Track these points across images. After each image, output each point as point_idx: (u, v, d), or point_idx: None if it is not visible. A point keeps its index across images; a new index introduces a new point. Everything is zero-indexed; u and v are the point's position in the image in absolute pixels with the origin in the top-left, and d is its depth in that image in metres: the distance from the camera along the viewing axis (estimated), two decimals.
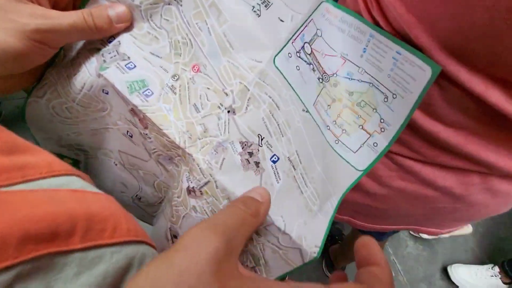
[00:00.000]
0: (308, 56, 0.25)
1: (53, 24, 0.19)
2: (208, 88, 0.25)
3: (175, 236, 0.28)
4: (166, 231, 0.28)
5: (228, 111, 0.25)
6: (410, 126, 0.27)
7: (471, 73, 0.21)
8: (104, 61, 0.24)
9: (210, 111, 0.25)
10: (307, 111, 0.26)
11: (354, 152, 0.26)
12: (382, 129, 0.24)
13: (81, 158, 0.31)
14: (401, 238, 1.29)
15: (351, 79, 0.25)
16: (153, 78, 0.24)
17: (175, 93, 0.25)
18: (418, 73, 0.21)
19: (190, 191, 0.25)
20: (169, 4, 0.24)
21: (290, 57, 0.25)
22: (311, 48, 0.25)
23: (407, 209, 0.35)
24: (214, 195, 0.24)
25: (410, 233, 1.29)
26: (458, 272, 1.17)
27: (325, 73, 0.26)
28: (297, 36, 0.25)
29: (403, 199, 0.33)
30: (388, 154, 0.31)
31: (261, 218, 0.18)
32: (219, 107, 0.25)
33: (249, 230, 0.17)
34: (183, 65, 0.25)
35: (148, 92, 0.24)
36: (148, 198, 0.32)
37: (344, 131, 0.26)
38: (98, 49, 0.24)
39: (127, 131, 0.27)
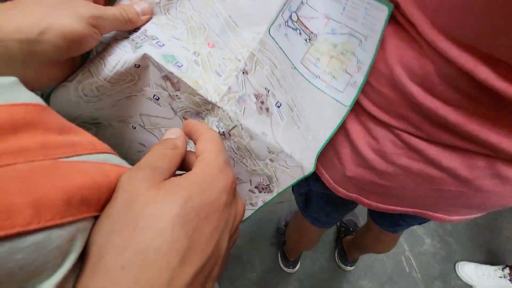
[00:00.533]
0: (295, 23, 0.33)
1: (103, 13, 0.24)
2: (224, 58, 0.31)
3: None
4: None
5: (243, 72, 0.30)
6: (411, 102, 0.29)
7: (460, 49, 0.22)
8: (137, 43, 0.28)
9: (229, 74, 0.30)
10: (295, 68, 0.34)
11: (342, 92, 0.34)
12: (359, 68, 0.33)
13: (92, 131, 0.34)
14: (418, 235, 1.27)
15: (334, 33, 0.33)
16: (179, 54, 0.29)
17: (198, 65, 0.30)
18: (380, 14, 0.28)
19: (220, 135, 0.31)
20: None
21: (280, 27, 0.32)
22: (297, 15, 0.32)
23: (413, 189, 0.36)
24: (239, 135, 0.31)
25: (427, 230, 1.27)
26: (464, 269, 1.16)
27: (312, 33, 0.34)
28: (285, 8, 0.31)
29: (408, 178, 0.34)
30: (394, 131, 0.32)
31: (180, 148, 0.21)
32: (236, 70, 0.30)
33: (174, 158, 0.20)
34: (200, 44, 0.31)
35: (179, 64, 0.29)
36: None
37: (333, 77, 0.34)
38: (128, 37, 0.29)
39: (154, 95, 0.31)
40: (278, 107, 0.33)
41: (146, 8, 0.29)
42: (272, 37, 0.32)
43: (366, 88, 0.33)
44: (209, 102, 0.30)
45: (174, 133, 0.22)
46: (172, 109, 0.32)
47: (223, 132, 0.32)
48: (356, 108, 0.35)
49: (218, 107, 0.30)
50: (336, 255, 1.18)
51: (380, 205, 0.42)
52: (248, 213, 0.40)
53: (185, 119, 0.33)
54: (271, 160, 0.34)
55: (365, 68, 0.32)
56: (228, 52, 0.31)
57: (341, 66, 0.34)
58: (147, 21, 0.29)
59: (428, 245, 1.26)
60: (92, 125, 0.33)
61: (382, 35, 0.29)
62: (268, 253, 1.20)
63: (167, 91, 0.30)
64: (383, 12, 0.28)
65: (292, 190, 0.72)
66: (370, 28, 0.30)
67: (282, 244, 1.18)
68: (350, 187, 0.41)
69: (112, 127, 0.34)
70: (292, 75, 0.35)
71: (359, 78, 0.33)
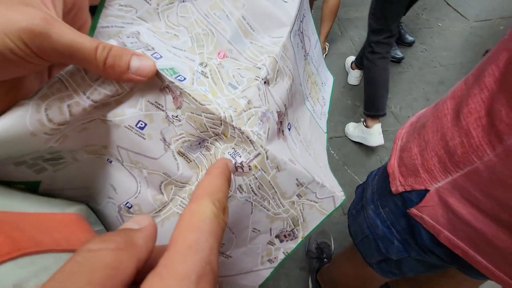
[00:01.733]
0: (300, 34, 0.30)
1: (57, 33, 0.16)
2: (239, 68, 0.26)
3: None
4: None
5: (265, 82, 0.25)
6: None
7: None
8: (125, 45, 0.22)
9: (248, 84, 0.25)
10: (300, 84, 0.31)
11: (320, 119, 0.35)
12: (324, 104, 0.36)
13: (45, 172, 0.24)
14: None
15: (312, 61, 0.34)
16: (181, 67, 0.24)
17: (207, 77, 0.24)
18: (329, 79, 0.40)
19: (237, 168, 0.25)
20: (183, 2, 0.25)
21: (296, 34, 0.29)
22: (302, 27, 0.30)
23: None
24: (263, 168, 0.25)
25: None
26: None
27: (306, 52, 0.32)
28: (299, 13, 0.28)
29: None
30: None
31: (138, 247, 0.13)
32: (256, 79, 0.25)
33: (115, 270, 0.11)
34: (208, 54, 0.25)
35: (180, 78, 0.23)
36: (144, 205, 0.27)
37: (313, 103, 0.34)
38: (115, 34, 0.23)
39: (138, 122, 0.23)
40: (289, 129, 0.29)
41: (147, 67, 0.20)
42: (292, 43, 0.28)
43: None
44: (221, 122, 0.23)
45: (139, 222, 0.14)
46: (163, 140, 0.24)
47: (240, 164, 0.25)
48: None
49: (234, 128, 0.23)
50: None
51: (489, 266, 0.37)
52: (265, 276, 0.32)
53: (180, 154, 0.25)
54: (298, 195, 0.28)
55: (326, 107, 0.34)
56: (245, 61, 0.26)
57: (316, 94, 0.34)
58: (137, 76, 0.21)
59: None
60: (47, 162, 0.23)
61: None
62: (297, 278, 1.09)
63: (164, 110, 0.23)
64: (329, 80, 0.37)
65: (363, 256, 0.64)
66: (326, 77, 0.35)
67: (314, 270, 1.06)
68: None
69: (78, 162, 0.25)
70: (298, 91, 0.31)
71: (325, 111, 0.34)
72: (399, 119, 1.56)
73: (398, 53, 1.78)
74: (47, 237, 0.16)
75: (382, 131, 1.36)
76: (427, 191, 0.40)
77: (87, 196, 0.28)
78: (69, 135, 0.22)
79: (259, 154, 0.24)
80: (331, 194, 0.29)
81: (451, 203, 0.37)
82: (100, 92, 0.20)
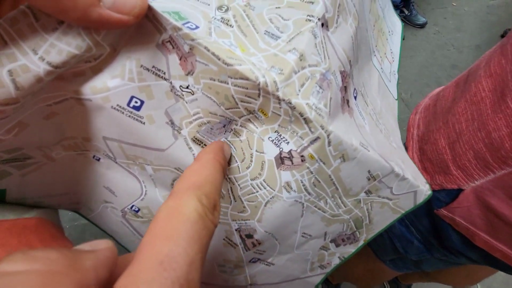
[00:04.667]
0: None
1: None
2: (278, 7, 0.17)
3: (249, 236, 0.22)
4: (226, 236, 0.22)
5: (322, 24, 0.17)
6: None
7: None
8: None
9: (297, 29, 0.17)
10: (366, 30, 0.24)
11: (390, 81, 0.28)
12: (392, 60, 0.28)
13: (9, 177, 0.18)
14: None
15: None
16: (191, 12, 0.16)
17: (230, 25, 0.17)
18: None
19: (283, 159, 0.18)
20: None
21: None
22: None
23: None
24: (323, 158, 0.18)
25: None
26: None
27: None
28: None
29: None
30: None
31: (86, 271, 0.09)
32: (309, 19, 0.17)
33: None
34: None
35: (191, 25, 0.15)
36: (154, 207, 0.22)
37: (381, 58, 0.26)
38: None
39: (131, 99, 0.16)
40: (355, 98, 0.22)
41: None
42: None
43: None
44: (259, 92, 0.16)
45: (93, 245, 0.10)
46: (171, 124, 0.17)
47: (288, 153, 0.18)
48: None
49: (280, 101, 0.16)
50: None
51: None
52: (314, 282, 0.27)
53: (197, 141, 0.18)
54: (368, 192, 0.21)
55: (396, 64, 0.28)
56: None
57: (384, 46, 0.27)
58: None
59: None
60: (8, 164, 0.17)
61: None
62: None
63: (167, 79, 0.16)
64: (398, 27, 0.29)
65: (376, 253, 0.58)
66: (393, 24, 0.27)
67: None
68: None
69: (54, 163, 0.19)
70: (363, 40, 0.23)
71: (395, 70, 0.28)
72: (410, 106, 1.48)
73: (421, 19, 1.73)
74: None
75: None
76: (460, 190, 0.35)
77: (75, 203, 0.23)
78: (29, 123, 0.16)
79: (317, 138, 0.17)
80: (414, 188, 0.21)
81: (493, 204, 0.32)
82: (61, 50, 0.13)
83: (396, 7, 1.74)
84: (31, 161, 0.18)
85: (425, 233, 0.43)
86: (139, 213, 0.22)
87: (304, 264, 0.25)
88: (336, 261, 0.26)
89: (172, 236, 0.10)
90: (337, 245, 0.24)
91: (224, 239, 0.23)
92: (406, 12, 1.75)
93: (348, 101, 0.20)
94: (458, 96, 0.38)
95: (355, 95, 0.21)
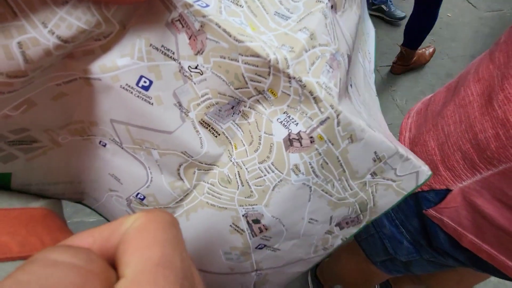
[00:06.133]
0: None
1: None
2: None
3: (256, 221, 0.21)
4: (233, 223, 0.22)
5: (331, 6, 0.18)
6: None
7: None
8: None
9: (307, 9, 0.17)
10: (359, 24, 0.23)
11: (370, 78, 0.28)
12: (370, 60, 0.29)
13: (16, 160, 0.18)
14: None
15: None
16: None
17: (240, 5, 0.17)
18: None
19: (292, 141, 0.18)
20: None
21: None
22: None
23: None
24: (331, 139, 0.18)
25: None
26: None
27: None
28: None
29: None
30: None
31: (95, 263, 0.09)
32: (320, 1, 0.17)
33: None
34: None
35: (202, 3, 0.15)
36: (160, 195, 0.21)
37: (363, 56, 0.27)
38: None
39: (140, 78, 0.16)
40: (351, 85, 0.22)
41: None
42: None
43: None
44: (269, 70, 0.15)
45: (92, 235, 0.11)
46: (179, 106, 0.17)
47: (297, 135, 0.18)
48: None
49: (290, 79, 0.16)
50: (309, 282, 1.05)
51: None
52: (316, 261, 0.27)
53: (204, 125, 0.18)
54: (373, 174, 0.21)
55: (372, 65, 0.28)
56: None
57: (363, 46, 0.27)
58: None
59: None
60: (15, 146, 0.17)
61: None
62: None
63: (176, 59, 0.16)
64: (372, 31, 0.29)
65: (367, 254, 0.60)
66: (369, 27, 0.28)
67: (312, 268, 1.03)
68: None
69: (60, 148, 0.19)
70: (359, 33, 0.24)
71: (372, 70, 0.28)
72: (404, 112, 1.50)
73: (400, 13, 1.74)
74: None
75: (388, 125, 1.31)
76: (448, 190, 0.35)
77: (80, 193, 0.23)
78: (37, 101, 0.16)
79: (327, 118, 0.17)
80: (416, 169, 0.21)
81: (479, 204, 0.32)
82: (71, 24, 0.13)
83: (372, 4, 1.78)
84: (38, 145, 0.18)
85: (415, 233, 0.44)
86: (144, 201, 0.22)
87: (308, 248, 0.26)
88: (338, 242, 0.26)
89: (158, 242, 0.10)
90: (341, 228, 0.25)
91: (230, 225, 0.22)
92: (385, 8, 1.79)
93: (347, 87, 0.21)
94: (448, 100, 0.39)
95: (350, 83, 0.22)
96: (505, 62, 0.30)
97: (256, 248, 0.24)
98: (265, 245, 0.24)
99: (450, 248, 0.39)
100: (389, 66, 1.65)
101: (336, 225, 0.25)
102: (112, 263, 0.10)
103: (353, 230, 0.25)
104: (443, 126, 0.37)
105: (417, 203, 0.41)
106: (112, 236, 0.10)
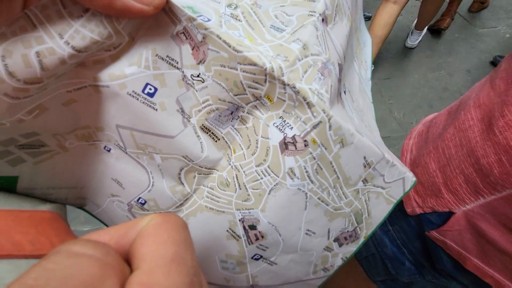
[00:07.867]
0: None
1: None
2: (283, 5, 0.19)
3: (252, 227, 0.22)
4: (230, 228, 0.22)
5: (323, 20, 0.19)
6: None
7: None
8: None
9: (300, 22, 0.18)
10: (352, 35, 0.25)
11: (366, 86, 0.29)
12: (367, 68, 0.30)
13: (23, 164, 0.19)
14: None
15: (358, 11, 0.29)
16: (203, 7, 0.17)
17: (239, 20, 0.18)
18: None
19: (287, 144, 0.19)
20: None
21: None
22: None
23: None
24: (324, 142, 0.19)
25: None
26: None
27: None
28: None
29: None
30: None
31: (112, 257, 0.10)
32: (312, 14, 0.18)
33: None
34: None
35: (204, 18, 0.16)
36: (161, 199, 0.22)
37: (359, 65, 0.28)
38: None
39: (145, 85, 0.17)
40: (344, 92, 0.23)
41: None
42: None
43: None
44: (265, 77, 0.17)
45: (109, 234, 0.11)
46: (181, 111, 0.19)
47: (292, 138, 0.19)
48: None
49: (285, 86, 0.17)
50: None
51: None
52: (316, 285, 0.27)
53: (205, 130, 0.19)
54: (364, 181, 0.22)
55: (369, 73, 0.28)
56: None
57: (360, 54, 0.28)
58: None
59: None
60: (24, 150, 0.18)
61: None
62: None
63: (179, 68, 0.17)
64: (368, 41, 0.29)
65: (367, 273, 0.58)
66: (365, 36, 0.29)
67: None
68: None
69: (66, 153, 0.20)
70: (351, 42, 0.25)
71: (369, 78, 0.29)
72: (402, 125, 1.51)
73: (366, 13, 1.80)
74: (4, 239, 0.14)
75: (385, 137, 1.32)
76: (451, 213, 0.35)
77: (82, 198, 0.23)
78: (48, 107, 0.17)
79: (319, 122, 0.18)
80: (402, 175, 0.22)
81: (483, 229, 0.32)
82: (85, 36, 0.14)
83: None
84: (45, 149, 0.19)
85: (417, 255, 0.43)
86: (145, 205, 0.22)
87: (307, 266, 0.25)
88: (339, 262, 0.26)
89: (173, 241, 0.11)
90: (340, 245, 0.25)
91: (227, 230, 0.22)
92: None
93: (340, 94, 0.22)
94: (448, 123, 0.39)
95: (344, 90, 0.23)
96: (505, 89, 0.31)
97: (252, 258, 0.24)
98: (261, 256, 0.24)
99: (454, 271, 0.38)
100: (387, 79, 1.67)
101: (334, 241, 0.24)
102: (125, 259, 0.11)
103: (353, 247, 0.25)
104: (444, 148, 0.37)
105: (419, 224, 0.41)
106: (128, 233, 0.11)
